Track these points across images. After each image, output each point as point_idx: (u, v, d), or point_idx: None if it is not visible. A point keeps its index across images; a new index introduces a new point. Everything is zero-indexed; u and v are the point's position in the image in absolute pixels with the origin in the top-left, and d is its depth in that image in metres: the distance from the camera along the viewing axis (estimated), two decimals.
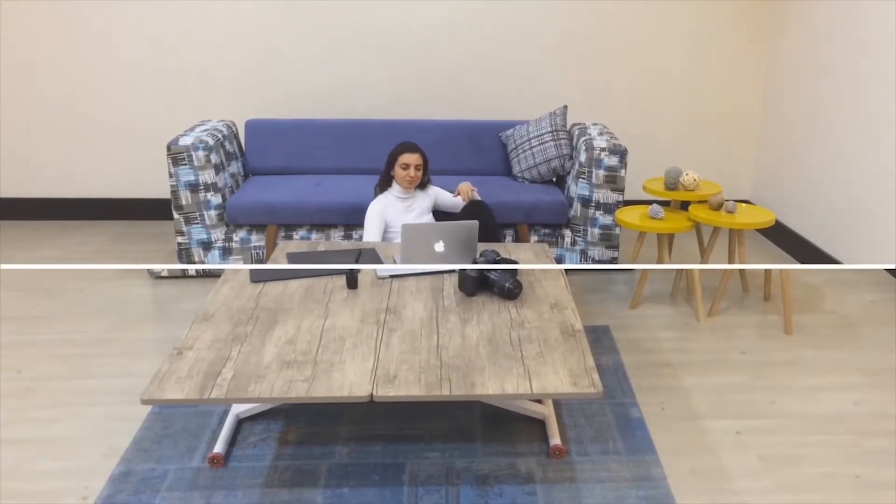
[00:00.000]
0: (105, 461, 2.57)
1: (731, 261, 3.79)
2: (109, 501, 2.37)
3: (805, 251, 4.42)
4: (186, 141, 3.98)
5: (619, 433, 2.67)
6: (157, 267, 4.01)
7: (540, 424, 2.72)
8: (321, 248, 3.22)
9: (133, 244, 4.70)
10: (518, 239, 4.11)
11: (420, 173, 3.52)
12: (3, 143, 5.02)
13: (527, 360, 2.30)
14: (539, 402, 2.77)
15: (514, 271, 2.69)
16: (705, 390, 2.93)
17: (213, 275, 4.00)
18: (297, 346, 2.37)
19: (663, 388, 2.95)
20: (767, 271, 3.60)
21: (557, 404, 2.84)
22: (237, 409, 2.75)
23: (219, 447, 2.56)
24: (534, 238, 4.14)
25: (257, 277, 2.84)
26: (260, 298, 2.70)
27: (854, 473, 2.47)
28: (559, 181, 4.46)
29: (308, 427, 2.72)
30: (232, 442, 2.65)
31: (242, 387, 2.16)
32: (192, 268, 4.03)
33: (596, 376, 2.20)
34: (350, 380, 2.18)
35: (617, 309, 3.61)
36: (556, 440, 2.57)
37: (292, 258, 3.10)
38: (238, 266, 3.01)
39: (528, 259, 3.07)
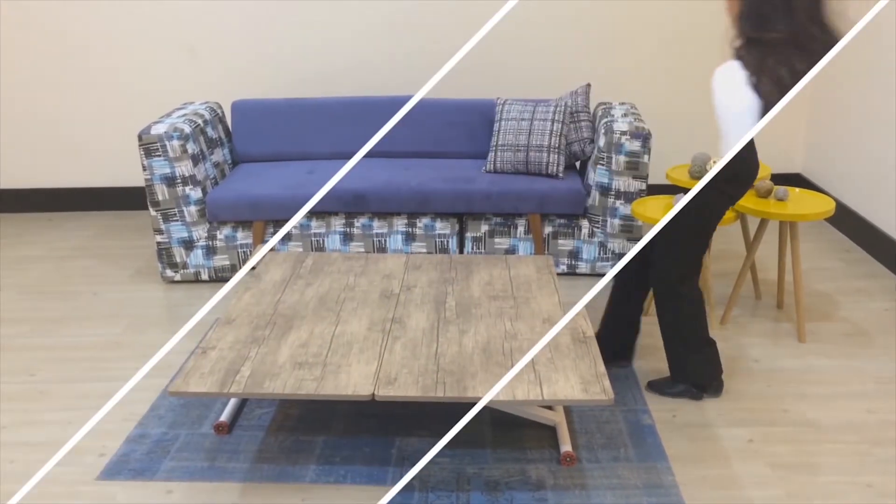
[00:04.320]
0: (123, 424, 2.82)
1: (781, 258, 3.54)
2: (124, 458, 2.62)
3: (875, 240, 4.11)
4: (159, 129, 3.74)
5: (631, 440, 2.66)
6: None
7: (550, 431, 2.71)
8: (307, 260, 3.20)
9: (117, 239, 4.62)
10: (530, 230, 3.94)
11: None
12: None
13: (538, 366, 2.35)
14: (550, 408, 2.76)
15: None
16: (717, 398, 2.92)
17: (226, 279, 3.98)
18: (308, 349, 2.54)
19: None
20: (780, 279, 3.58)
21: (568, 411, 2.83)
22: None
23: (225, 416, 2.78)
24: (547, 229, 3.94)
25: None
26: (278, 305, 2.86)
27: (867, 483, 2.45)
28: (582, 167, 4.18)
29: (309, 405, 2.74)
30: (238, 413, 2.85)
31: (258, 383, 2.35)
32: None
33: (607, 383, 2.21)
34: (354, 380, 2.36)
35: None
36: (567, 447, 2.57)
37: None
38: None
39: (530, 275, 3.10)
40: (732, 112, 2.09)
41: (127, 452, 2.64)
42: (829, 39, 2.08)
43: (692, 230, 2.69)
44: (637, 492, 2.40)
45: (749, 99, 2.02)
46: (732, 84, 2.07)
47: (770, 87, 2.01)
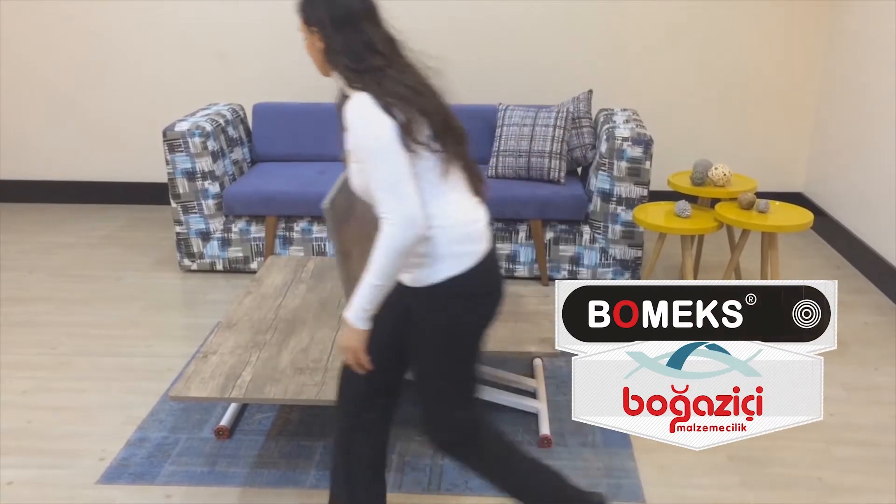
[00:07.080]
0: (124, 428, 2.83)
1: (763, 267, 3.65)
2: (124, 463, 2.62)
3: (866, 258, 4.25)
4: (182, 127, 3.99)
5: (598, 429, 2.81)
6: None
7: (524, 416, 2.88)
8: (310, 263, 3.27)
9: (142, 230, 4.87)
10: (531, 236, 4.03)
11: (310, 48, 2.11)
12: (10, 126, 5.24)
13: None
14: (533, 396, 2.95)
15: None
16: None
17: (239, 270, 4.22)
18: (309, 355, 2.60)
19: None
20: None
21: (547, 400, 3.00)
22: None
23: (225, 421, 2.79)
24: (549, 235, 4.01)
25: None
26: (279, 310, 2.93)
27: (818, 476, 2.60)
28: (584, 173, 4.24)
29: (309, 410, 2.94)
30: (238, 418, 2.88)
31: (259, 388, 2.40)
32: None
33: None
34: None
35: None
36: (545, 431, 2.75)
37: None
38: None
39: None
40: (382, 140, 1.92)
41: (127, 457, 2.65)
42: (417, 72, 2.07)
43: (449, 363, 2.07)
44: (598, 473, 2.58)
45: (388, 122, 1.92)
46: (370, 112, 1.93)
47: (398, 106, 1.94)
